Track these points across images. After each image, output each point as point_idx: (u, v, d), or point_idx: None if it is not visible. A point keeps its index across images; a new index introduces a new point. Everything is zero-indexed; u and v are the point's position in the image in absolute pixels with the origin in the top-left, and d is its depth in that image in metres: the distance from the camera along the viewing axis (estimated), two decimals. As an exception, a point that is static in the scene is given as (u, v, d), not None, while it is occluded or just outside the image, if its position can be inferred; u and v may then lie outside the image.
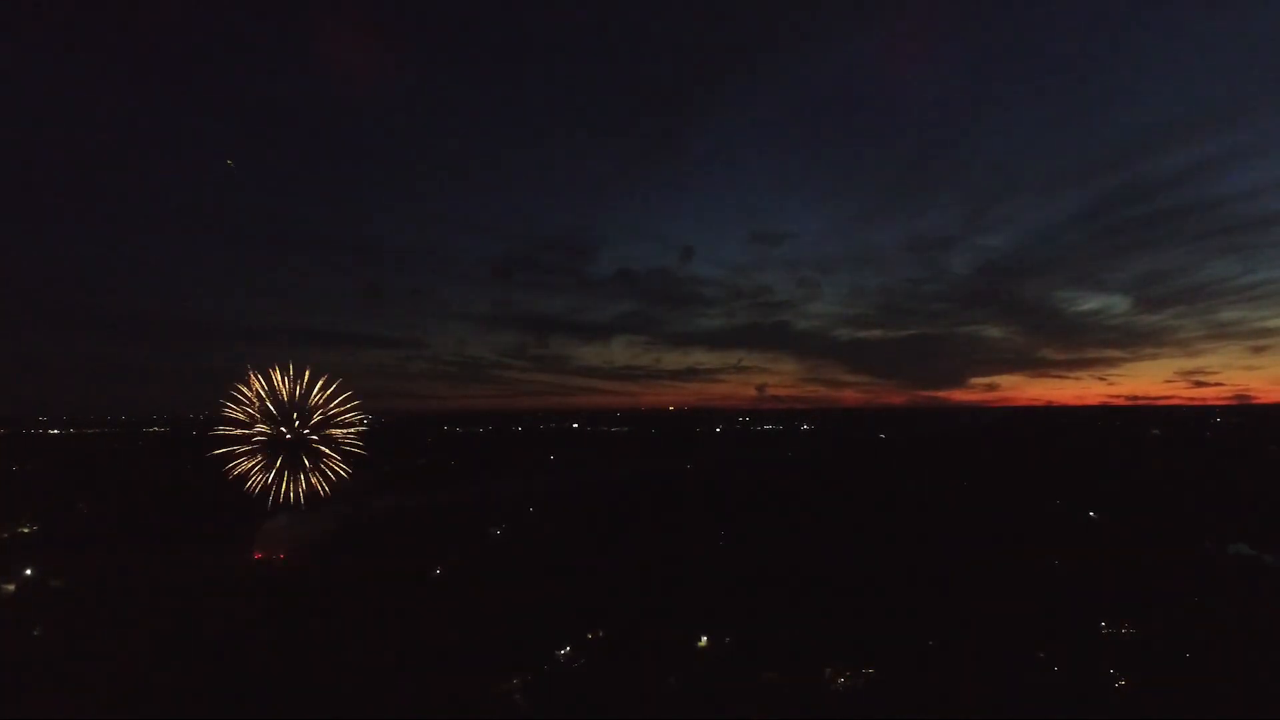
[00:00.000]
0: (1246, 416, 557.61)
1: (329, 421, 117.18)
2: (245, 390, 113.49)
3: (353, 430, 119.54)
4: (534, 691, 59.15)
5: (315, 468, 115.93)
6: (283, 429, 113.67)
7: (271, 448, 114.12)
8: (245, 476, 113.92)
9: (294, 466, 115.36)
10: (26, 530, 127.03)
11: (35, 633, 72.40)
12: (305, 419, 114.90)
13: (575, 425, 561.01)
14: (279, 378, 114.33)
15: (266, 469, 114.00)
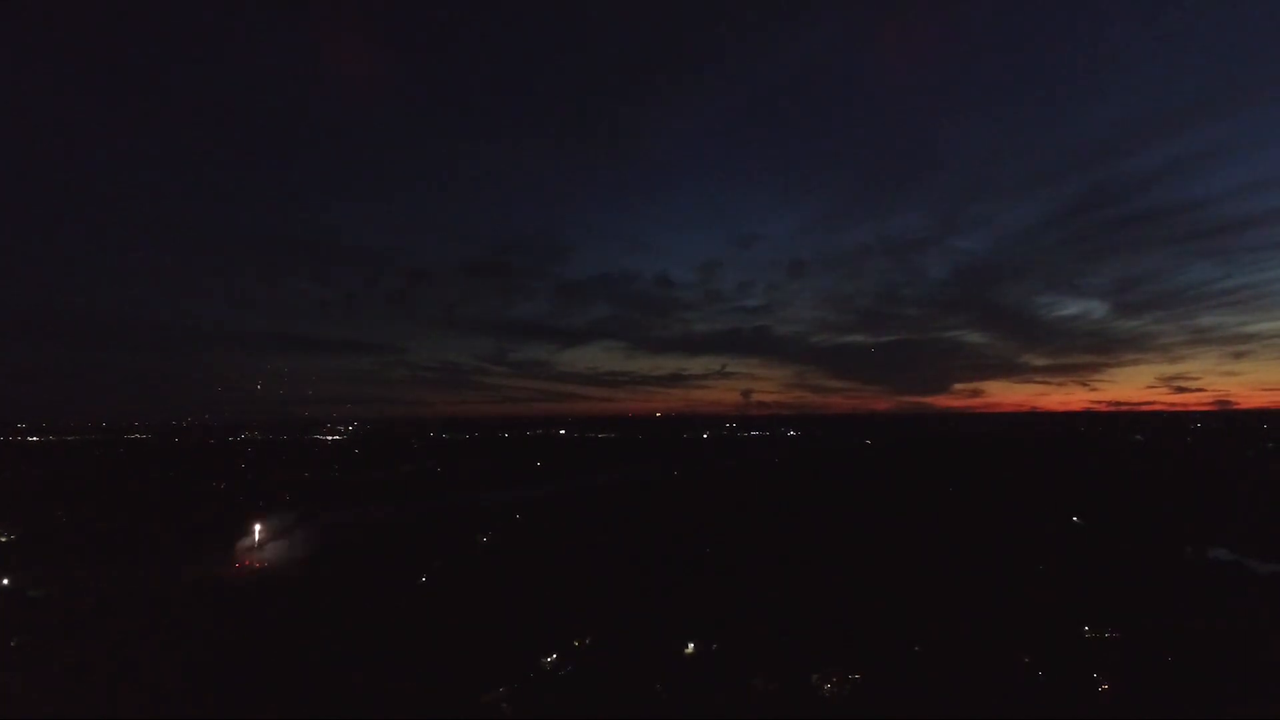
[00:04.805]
0: (1227, 422, 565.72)
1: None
2: None
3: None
4: (519, 700, 58.85)
5: None
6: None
7: None
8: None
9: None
10: (4, 539, 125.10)
11: (12, 644, 71.23)
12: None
13: (562, 431, 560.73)
14: None
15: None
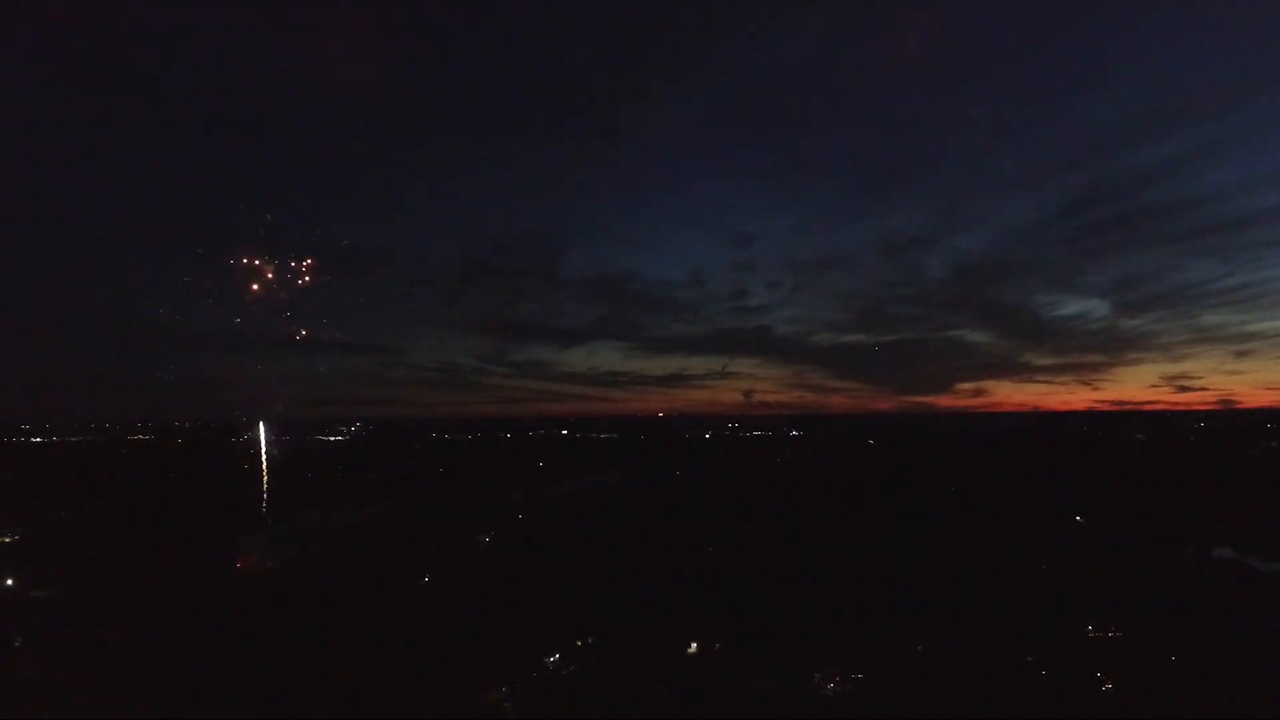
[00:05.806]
0: (1230, 421, 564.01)
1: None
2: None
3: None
4: (521, 700, 58.84)
5: None
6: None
7: None
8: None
9: None
10: (7, 540, 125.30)
11: (16, 644, 71.35)
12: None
13: (564, 431, 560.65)
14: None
15: None
